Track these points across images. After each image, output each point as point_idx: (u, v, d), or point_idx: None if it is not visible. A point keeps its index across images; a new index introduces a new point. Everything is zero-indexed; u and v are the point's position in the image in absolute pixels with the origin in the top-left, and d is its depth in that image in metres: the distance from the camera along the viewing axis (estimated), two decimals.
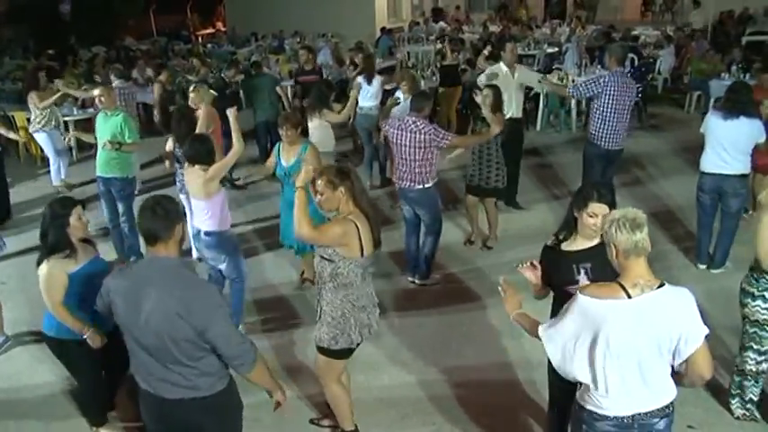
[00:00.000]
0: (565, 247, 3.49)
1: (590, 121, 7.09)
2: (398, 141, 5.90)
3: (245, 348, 3.04)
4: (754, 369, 4.27)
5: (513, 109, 7.78)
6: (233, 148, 5.40)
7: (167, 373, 3.01)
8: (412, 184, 5.96)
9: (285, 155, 5.91)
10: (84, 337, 3.95)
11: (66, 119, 11.04)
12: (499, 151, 6.75)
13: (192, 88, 7.52)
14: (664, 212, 7.89)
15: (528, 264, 3.52)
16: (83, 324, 3.93)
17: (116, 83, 9.06)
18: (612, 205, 3.35)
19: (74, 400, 4.78)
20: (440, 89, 11.61)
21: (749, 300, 4.14)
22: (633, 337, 2.77)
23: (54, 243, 3.85)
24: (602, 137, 6.90)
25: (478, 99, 6.62)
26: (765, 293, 4.07)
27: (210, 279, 5.63)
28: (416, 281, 6.39)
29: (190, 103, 7.30)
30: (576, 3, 27.37)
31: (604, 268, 3.16)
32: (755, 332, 4.17)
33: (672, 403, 2.95)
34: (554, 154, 10.55)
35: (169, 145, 6.56)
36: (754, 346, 4.22)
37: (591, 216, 3.34)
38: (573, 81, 11.67)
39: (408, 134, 5.82)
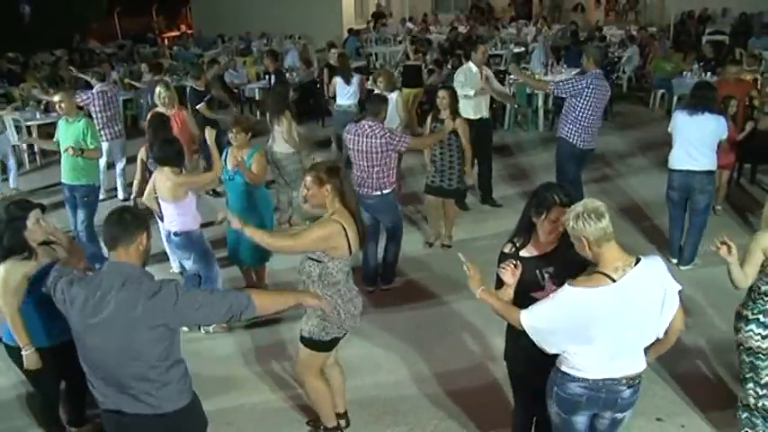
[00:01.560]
0: (524, 253, 3.43)
1: (563, 121, 7.07)
2: (355, 147, 5.80)
3: (230, 304, 3.01)
4: (759, 404, 3.93)
5: (482, 109, 7.84)
6: (210, 173, 5.54)
7: (126, 387, 2.96)
8: (370, 190, 5.86)
9: (231, 159, 5.83)
10: (24, 353, 3.80)
11: (29, 123, 10.85)
12: (459, 152, 6.72)
13: (164, 89, 7.42)
14: (630, 209, 8.00)
15: (511, 265, 3.31)
16: (28, 340, 3.78)
17: (98, 86, 8.90)
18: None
19: (32, 410, 4.63)
20: (402, 90, 11.60)
21: (742, 324, 3.86)
22: (622, 317, 2.93)
23: (10, 246, 3.71)
24: (577, 136, 6.95)
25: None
26: (760, 317, 3.80)
27: (185, 279, 5.75)
28: (382, 287, 6.30)
29: (161, 104, 7.24)
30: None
31: (566, 270, 3.26)
32: (752, 362, 3.87)
33: (640, 375, 3.11)
34: (523, 152, 10.66)
35: (142, 153, 6.43)
36: (754, 378, 3.90)
37: (554, 221, 3.30)
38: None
39: (365, 139, 5.73)
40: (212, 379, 4.96)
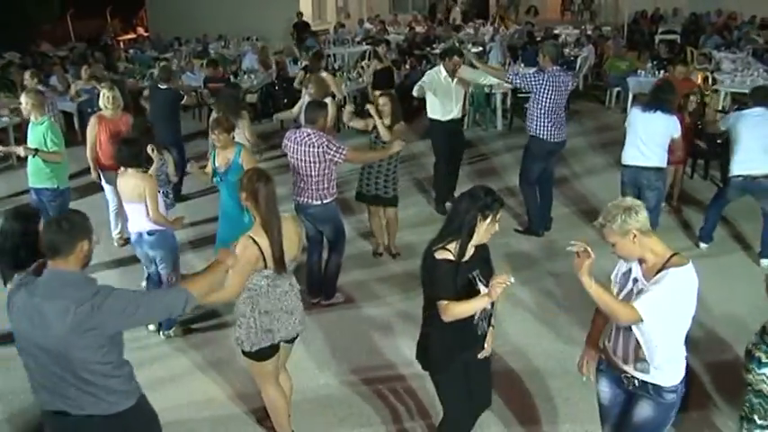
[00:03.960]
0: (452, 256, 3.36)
1: (530, 119, 7.04)
2: (295, 155, 5.62)
3: (165, 301, 3.04)
4: None
5: (453, 111, 7.84)
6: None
7: (68, 390, 2.94)
8: (309, 200, 5.70)
9: (219, 160, 5.80)
10: None
11: None
12: (396, 159, 6.54)
13: (108, 90, 7.29)
14: (587, 208, 8.09)
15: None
16: None
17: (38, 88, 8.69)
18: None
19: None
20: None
21: (754, 366, 3.53)
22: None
23: (26, 259, 3.48)
24: (547, 131, 6.94)
25: (372, 111, 6.48)
26: None
27: (149, 281, 5.79)
28: (322, 302, 6.08)
29: (105, 106, 7.12)
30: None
31: (484, 270, 3.44)
32: (760, 403, 3.57)
33: None
34: (483, 151, 10.75)
35: None
36: (758, 421, 3.60)
37: (497, 221, 3.39)
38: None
39: (302, 147, 5.55)
40: (164, 391, 4.96)
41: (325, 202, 5.72)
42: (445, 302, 3.31)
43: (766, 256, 6.61)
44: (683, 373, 3.20)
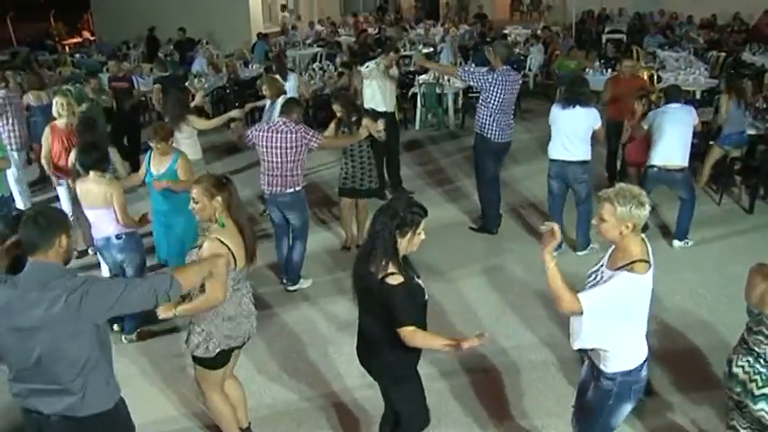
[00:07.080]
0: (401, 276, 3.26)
1: (478, 116, 7.12)
2: (268, 144, 5.81)
3: (152, 286, 3.00)
4: None
5: (387, 103, 8.20)
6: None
7: (48, 387, 2.92)
8: (283, 188, 5.91)
9: (155, 162, 5.77)
10: None
11: None
12: (370, 152, 6.82)
13: (62, 97, 7.12)
14: (536, 204, 8.19)
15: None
16: None
17: (1, 93, 8.45)
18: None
19: None
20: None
21: (749, 401, 3.34)
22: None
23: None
24: (492, 131, 7.03)
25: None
26: None
27: None
28: (288, 287, 6.33)
29: (59, 114, 6.95)
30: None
31: (416, 274, 3.41)
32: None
33: None
34: (434, 150, 10.89)
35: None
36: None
37: (420, 233, 3.28)
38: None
39: (279, 135, 5.78)
40: None
41: (297, 189, 5.96)
42: (411, 329, 3.23)
43: (679, 238, 6.98)
44: (627, 367, 3.21)
